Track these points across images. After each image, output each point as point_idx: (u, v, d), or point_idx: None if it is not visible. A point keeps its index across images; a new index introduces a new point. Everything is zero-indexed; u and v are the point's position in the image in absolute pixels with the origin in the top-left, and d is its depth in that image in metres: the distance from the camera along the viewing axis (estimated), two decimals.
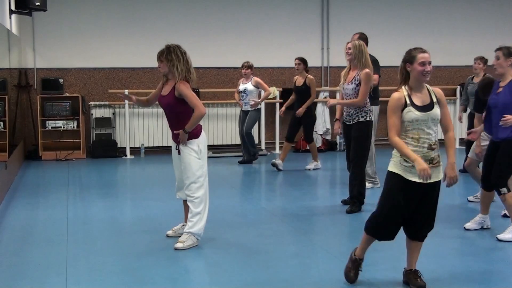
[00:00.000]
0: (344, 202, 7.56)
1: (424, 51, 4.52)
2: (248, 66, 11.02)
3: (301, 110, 10.18)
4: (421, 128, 4.49)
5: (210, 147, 12.44)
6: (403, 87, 4.57)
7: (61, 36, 12.17)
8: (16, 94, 11.29)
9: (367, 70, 7.12)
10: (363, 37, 8.82)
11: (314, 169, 10.37)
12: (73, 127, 11.89)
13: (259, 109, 11.20)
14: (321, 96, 13.16)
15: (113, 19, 12.38)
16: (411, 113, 4.46)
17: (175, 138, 5.78)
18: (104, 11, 12.36)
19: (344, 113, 7.37)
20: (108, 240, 6.06)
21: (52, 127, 11.81)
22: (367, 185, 8.54)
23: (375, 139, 8.67)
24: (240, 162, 11.09)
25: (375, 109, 8.59)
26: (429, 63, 4.51)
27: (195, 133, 5.71)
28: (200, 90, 12.57)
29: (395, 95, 4.53)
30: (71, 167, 10.95)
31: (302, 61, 10.24)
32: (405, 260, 4.80)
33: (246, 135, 10.96)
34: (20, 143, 11.13)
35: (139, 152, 12.25)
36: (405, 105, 4.48)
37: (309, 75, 10.21)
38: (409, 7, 13.54)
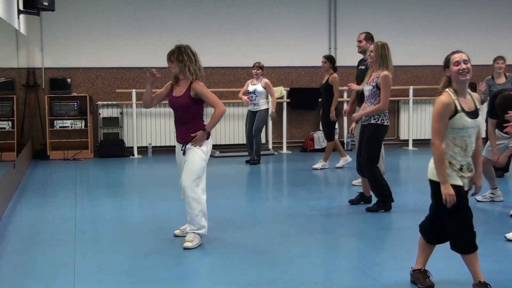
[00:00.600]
0: (351, 202, 7.54)
1: (457, 52, 4.38)
2: (259, 66, 11.04)
3: (332, 115, 10.07)
4: (469, 136, 4.29)
5: (217, 147, 12.47)
6: (448, 89, 4.32)
7: (69, 36, 12.20)
8: (24, 93, 11.33)
9: (385, 72, 6.98)
10: (369, 36, 8.82)
11: (321, 168, 10.34)
12: (81, 126, 11.92)
13: (267, 109, 11.20)
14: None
15: (121, 18, 12.41)
16: (463, 120, 4.24)
17: (183, 138, 5.77)
18: (112, 11, 12.39)
19: None
20: (115, 240, 6.07)
21: (60, 127, 11.84)
22: None
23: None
24: (247, 162, 11.10)
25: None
26: (465, 61, 4.33)
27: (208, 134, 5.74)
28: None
29: (443, 99, 4.26)
30: (79, 166, 10.98)
31: (328, 59, 10.22)
32: (412, 260, 4.78)
33: (255, 136, 10.97)
34: (28, 142, 11.17)
35: (146, 152, 12.27)
36: (456, 111, 4.25)
37: (334, 74, 10.09)
38: (416, 7, 13.50)
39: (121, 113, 12.37)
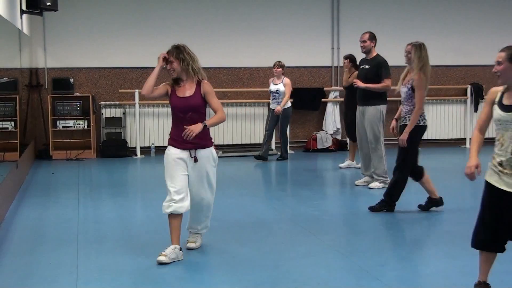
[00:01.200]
0: (421, 207, 7.18)
1: (499, 51, 4.17)
2: (280, 65, 11.19)
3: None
4: (505, 130, 4.15)
5: (220, 147, 12.46)
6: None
7: (71, 36, 12.21)
8: (27, 94, 11.34)
9: (419, 74, 6.90)
10: (373, 36, 8.81)
11: (347, 167, 10.29)
12: (84, 126, 11.92)
13: (290, 107, 11.35)
14: (331, 96, 13.13)
15: (124, 19, 12.41)
16: (495, 112, 4.19)
17: (193, 143, 5.46)
18: (115, 11, 12.39)
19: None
20: (118, 240, 6.07)
21: (62, 127, 11.85)
22: (378, 184, 8.52)
23: (383, 139, 8.64)
24: (257, 157, 11.31)
25: (383, 108, 8.57)
26: (498, 63, 4.14)
27: (211, 140, 5.62)
28: None
29: (493, 88, 4.26)
30: (82, 166, 10.98)
31: (348, 58, 10.31)
32: (415, 260, 4.77)
33: (282, 136, 11.27)
34: (31, 142, 11.18)
35: (149, 152, 12.28)
36: (494, 102, 4.20)
37: (355, 72, 9.99)
38: (419, 6, 13.49)
39: (124, 113, 12.37)
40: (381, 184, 8.46)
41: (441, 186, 8.66)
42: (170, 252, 5.23)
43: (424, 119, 7.05)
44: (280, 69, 11.13)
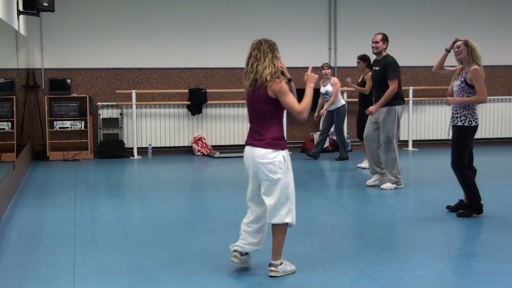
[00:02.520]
0: (449, 208, 7.13)
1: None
2: (329, 66, 11.37)
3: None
4: None
5: (217, 148, 12.47)
6: None
7: (68, 36, 12.20)
8: (24, 94, 11.33)
9: (475, 66, 6.84)
10: (385, 37, 8.74)
11: (366, 168, 10.14)
12: (81, 127, 11.92)
13: (344, 106, 11.43)
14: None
15: (121, 19, 12.40)
16: None
17: None
18: (112, 12, 12.39)
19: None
20: (115, 240, 6.06)
21: (59, 128, 11.84)
22: (390, 185, 8.43)
23: (397, 142, 8.58)
24: (307, 154, 11.68)
25: (398, 109, 8.51)
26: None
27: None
28: (208, 90, 12.59)
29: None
30: (79, 167, 10.97)
31: (361, 58, 10.34)
32: (412, 260, 4.77)
33: (337, 135, 11.47)
34: (28, 143, 11.16)
35: (146, 153, 12.27)
36: None
37: (370, 72, 9.89)
38: (416, 7, 13.50)
39: (121, 114, 12.37)
40: (394, 185, 8.40)
41: (440, 187, 8.69)
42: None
43: (476, 118, 6.92)
44: (329, 70, 11.31)
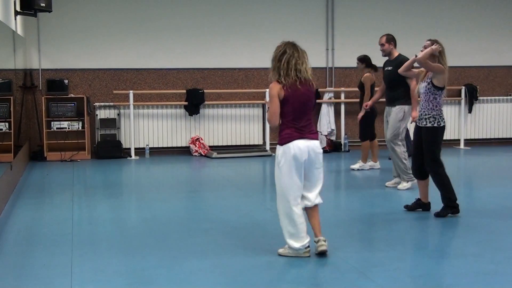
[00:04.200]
0: (407, 207, 7.22)
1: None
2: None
3: (360, 114, 9.99)
4: None
5: (215, 148, 12.46)
6: None
7: (66, 37, 12.20)
8: (21, 95, 11.32)
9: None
10: (390, 38, 8.80)
11: (358, 169, 10.19)
12: (78, 128, 11.91)
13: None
14: (326, 97, 13.14)
15: (118, 20, 12.40)
16: None
17: None
18: (109, 12, 12.39)
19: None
20: (113, 241, 6.06)
21: (57, 128, 11.84)
22: (405, 184, 8.40)
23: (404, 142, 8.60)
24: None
25: (407, 108, 8.50)
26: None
27: (279, 139, 5.42)
28: (205, 90, 12.59)
29: None
30: (76, 167, 10.96)
31: (360, 60, 10.23)
32: (409, 261, 4.77)
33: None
34: (25, 144, 11.15)
35: (144, 153, 12.27)
36: None
37: (366, 73, 10.00)
38: (414, 7, 13.52)
39: (118, 115, 12.36)
40: (409, 183, 8.40)
41: (434, 187, 8.70)
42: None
43: (443, 119, 6.99)
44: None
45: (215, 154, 12.03)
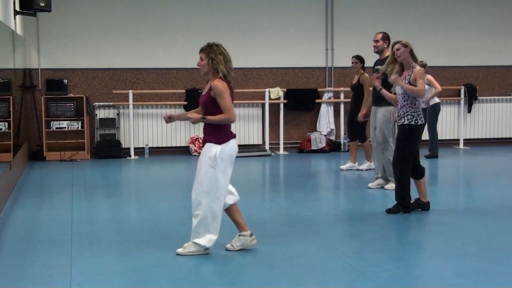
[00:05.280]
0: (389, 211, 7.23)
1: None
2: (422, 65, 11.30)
3: (360, 115, 9.74)
4: None
5: None
6: None
7: (65, 36, 12.19)
8: (20, 94, 11.31)
9: (418, 67, 7.07)
10: (386, 36, 8.76)
11: (367, 169, 10.12)
12: (78, 127, 11.91)
13: (438, 104, 11.58)
14: (325, 97, 13.15)
15: (118, 19, 12.40)
16: None
17: (203, 139, 5.58)
18: (109, 12, 12.38)
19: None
20: (112, 241, 6.06)
21: (56, 128, 11.83)
22: (394, 185, 8.34)
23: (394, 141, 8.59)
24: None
25: (394, 109, 8.45)
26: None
27: (217, 138, 5.43)
28: None
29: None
30: (76, 167, 10.96)
31: (359, 59, 10.10)
32: (409, 260, 4.77)
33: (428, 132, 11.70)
34: (25, 143, 11.15)
35: (143, 153, 12.27)
36: None
37: (365, 73, 9.96)
38: (413, 7, 13.52)
39: (117, 114, 12.36)
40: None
41: (434, 187, 8.70)
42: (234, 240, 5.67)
43: (422, 118, 7.04)
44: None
45: None
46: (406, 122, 6.98)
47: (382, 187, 8.59)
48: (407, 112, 6.99)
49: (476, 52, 13.82)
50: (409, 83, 6.97)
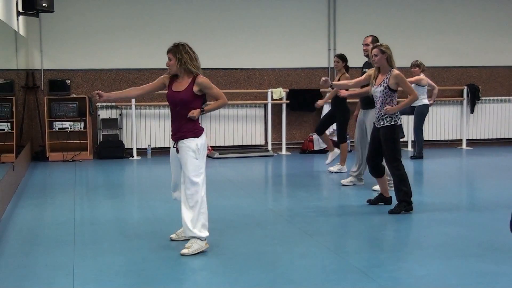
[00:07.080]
0: (370, 201, 7.65)
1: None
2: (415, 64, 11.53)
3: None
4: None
5: (217, 148, 12.46)
6: None
7: (68, 37, 12.20)
8: (23, 95, 11.33)
9: (396, 71, 7.20)
10: (376, 40, 8.74)
11: (336, 172, 10.10)
12: (80, 128, 11.92)
13: (426, 105, 11.57)
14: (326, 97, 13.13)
15: (120, 20, 12.41)
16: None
17: (176, 135, 5.71)
18: (111, 13, 12.39)
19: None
20: (115, 241, 6.06)
21: (59, 128, 11.84)
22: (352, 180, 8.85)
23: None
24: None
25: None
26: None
27: (195, 132, 5.68)
28: None
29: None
30: (78, 168, 10.97)
31: (341, 58, 9.92)
32: (411, 261, 4.78)
33: (414, 132, 11.80)
34: (27, 144, 11.16)
35: (145, 153, 12.28)
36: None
37: (346, 73, 9.79)
38: (416, 7, 13.51)
39: (120, 115, 12.37)
40: (355, 179, 8.84)
41: (436, 187, 8.70)
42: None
43: (400, 118, 7.24)
44: (417, 69, 11.49)
45: (217, 154, 12.03)
46: (386, 124, 7.15)
47: (354, 184, 8.86)
48: (385, 115, 7.16)
49: (479, 52, 13.80)
50: (388, 87, 7.12)
